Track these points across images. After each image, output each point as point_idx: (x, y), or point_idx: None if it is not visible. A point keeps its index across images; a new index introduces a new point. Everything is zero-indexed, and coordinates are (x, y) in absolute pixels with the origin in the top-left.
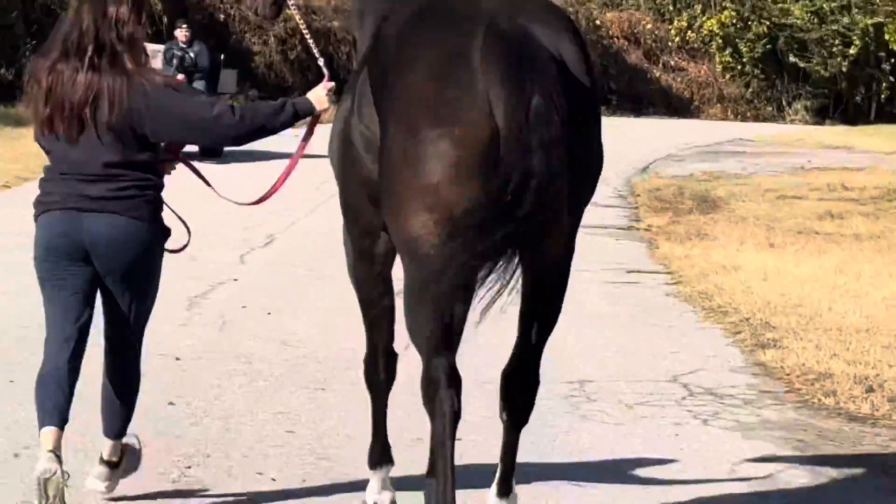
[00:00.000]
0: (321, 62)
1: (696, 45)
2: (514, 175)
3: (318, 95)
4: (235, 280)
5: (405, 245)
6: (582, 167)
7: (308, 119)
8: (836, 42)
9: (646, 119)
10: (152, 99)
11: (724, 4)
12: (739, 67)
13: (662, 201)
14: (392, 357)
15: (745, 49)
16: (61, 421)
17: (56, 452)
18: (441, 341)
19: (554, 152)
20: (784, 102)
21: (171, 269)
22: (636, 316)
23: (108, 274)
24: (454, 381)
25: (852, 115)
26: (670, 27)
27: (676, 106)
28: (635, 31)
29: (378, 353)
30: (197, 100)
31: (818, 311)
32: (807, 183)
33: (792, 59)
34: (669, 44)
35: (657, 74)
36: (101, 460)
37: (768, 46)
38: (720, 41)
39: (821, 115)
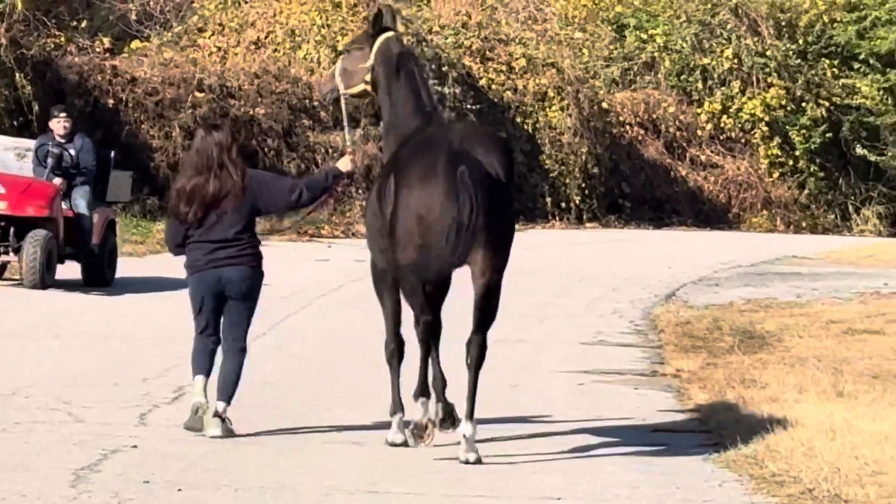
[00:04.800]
0: (348, 138)
1: (733, 135)
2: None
3: (345, 161)
4: (135, 447)
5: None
6: (497, 223)
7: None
8: None
9: (669, 231)
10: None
11: (769, 80)
12: (791, 163)
13: (694, 338)
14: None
15: (798, 139)
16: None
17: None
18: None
19: (478, 214)
20: (850, 208)
21: (51, 432)
22: (665, 488)
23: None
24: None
25: None
26: (699, 111)
27: (709, 214)
28: (654, 116)
29: (392, 334)
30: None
31: None
32: (883, 313)
33: (860, 150)
34: (699, 133)
35: (683, 173)
36: (218, 416)
37: (829, 135)
38: (765, 129)
39: None
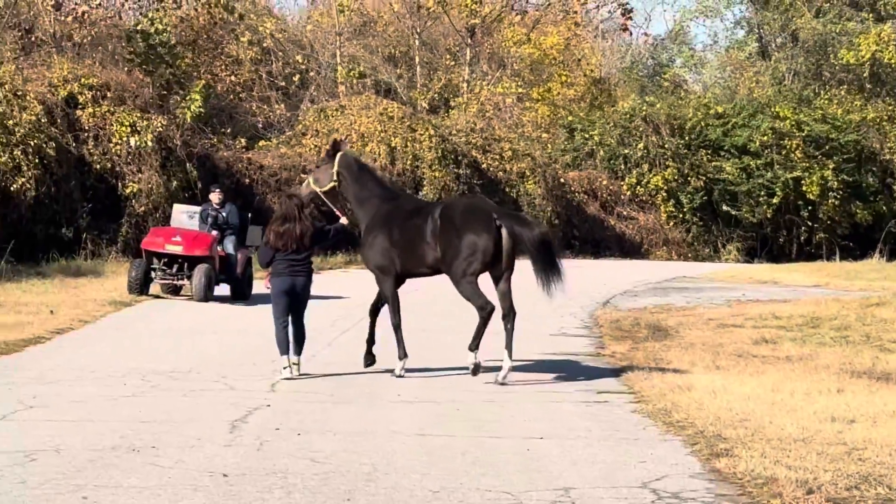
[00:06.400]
0: (340, 214)
1: (644, 198)
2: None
3: (344, 220)
4: (269, 406)
5: (458, 279)
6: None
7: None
8: (762, 193)
9: (604, 260)
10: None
11: (667, 164)
12: (681, 216)
13: (622, 331)
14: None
15: (685, 200)
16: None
17: (290, 365)
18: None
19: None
20: (719, 244)
21: (215, 396)
22: (609, 430)
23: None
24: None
25: (776, 255)
26: (622, 183)
27: (629, 249)
28: (594, 186)
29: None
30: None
31: (761, 423)
32: (742, 313)
33: (725, 207)
34: (622, 197)
35: (612, 223)
36: (294, 364)
37: (705, 198)
38: (664, 194)
39: (750, 255)
